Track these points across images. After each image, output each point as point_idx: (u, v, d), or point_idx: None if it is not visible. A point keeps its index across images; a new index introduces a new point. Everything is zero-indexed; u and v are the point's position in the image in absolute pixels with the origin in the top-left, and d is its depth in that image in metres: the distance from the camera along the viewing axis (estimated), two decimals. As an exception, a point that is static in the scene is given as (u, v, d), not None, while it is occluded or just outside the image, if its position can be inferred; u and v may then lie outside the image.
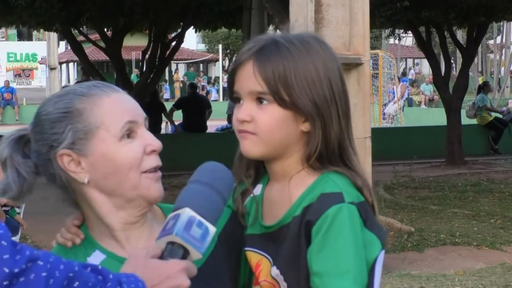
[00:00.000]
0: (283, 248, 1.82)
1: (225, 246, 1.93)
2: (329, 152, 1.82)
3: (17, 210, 8.59)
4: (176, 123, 19.00)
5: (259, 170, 1.95)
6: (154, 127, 17.37)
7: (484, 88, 21.16)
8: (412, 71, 49.16)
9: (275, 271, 1.84)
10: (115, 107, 1.86)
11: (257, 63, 1.82)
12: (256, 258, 1.89)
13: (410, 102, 35.40)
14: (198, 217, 1.68)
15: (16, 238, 8.49)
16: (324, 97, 1.81)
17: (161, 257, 1.67)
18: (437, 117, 24.98)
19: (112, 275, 1.57)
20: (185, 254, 1.67)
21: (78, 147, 1.84)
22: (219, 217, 1.74)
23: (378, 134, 14.31)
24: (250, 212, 1.93)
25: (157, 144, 1.86)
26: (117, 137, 1.83)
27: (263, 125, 1.82)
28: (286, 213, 1.83)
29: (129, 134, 1.84)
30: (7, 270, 1.44)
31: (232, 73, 1.88)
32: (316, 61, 1.83)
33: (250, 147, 1.84)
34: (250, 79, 1.83)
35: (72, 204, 1.92)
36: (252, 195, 1.93)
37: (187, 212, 1.68)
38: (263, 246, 1.88)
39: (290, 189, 1.84)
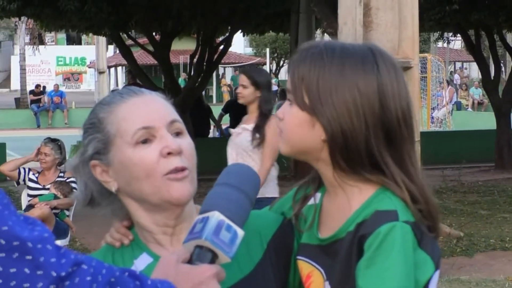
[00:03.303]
0: (337, 264, 1.79)
1: (273, 253, 1.89)
2: (356, 162, 1.75)
3: (67, 212, 8.66)
4: (224, 126, 19.03)
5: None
6: (201, 131, 17.44)
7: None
8: (456, 75, 48.45)
9: (328, 287, 1.81)
10: (129, 113, 1.83)
11: (293, 62, 1.83)
12: (308, 268, 1.86)
13: (459, 106, 35.11)
14: (227, 221, 1.66)
15: (65, 241, 8.55)
16: (346, 107, 1.74)
17: (190, 261, 1.65)
18: (486, 121, 24.72)
19: (150, 281, 1.56)
20: (213, 258, 1.65)
21: (101, 157, 1.84)
22: (246, 220, 1.71)
23: (426, 138, 14.19)
24: (307, 219, 1.89)
25: (174, 145, 1.79)
26: (131, 144, 1.80)
27: (285, 124, 1.81)
28: (340, 228, 1.79)
29: (146, 140, 1.80)
30: (54, 274, 1.43)
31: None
32: (346, 71, 1.76)
33: (280, 144, 1.84)
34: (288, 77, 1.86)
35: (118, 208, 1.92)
36: (313, 200, 1.89)
37: (216, 216, 1.66)
38: (316, 257, 1.84)
39: (345, 202, 1.80)
